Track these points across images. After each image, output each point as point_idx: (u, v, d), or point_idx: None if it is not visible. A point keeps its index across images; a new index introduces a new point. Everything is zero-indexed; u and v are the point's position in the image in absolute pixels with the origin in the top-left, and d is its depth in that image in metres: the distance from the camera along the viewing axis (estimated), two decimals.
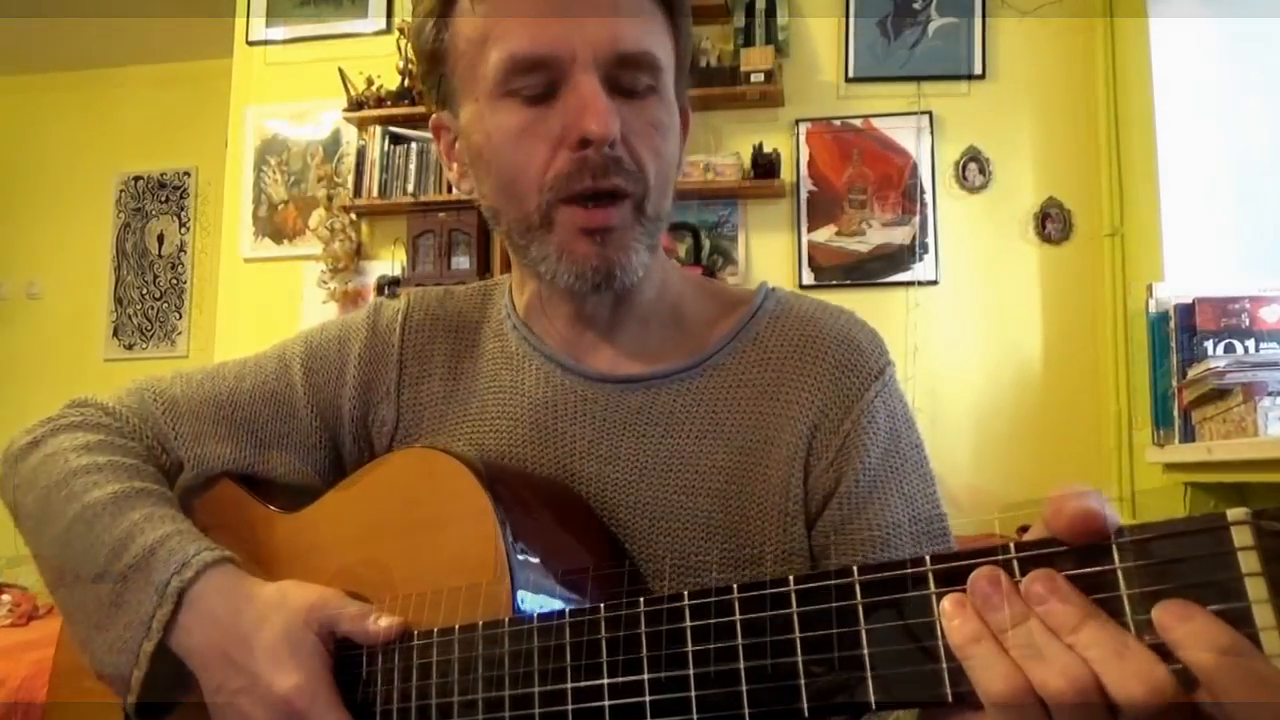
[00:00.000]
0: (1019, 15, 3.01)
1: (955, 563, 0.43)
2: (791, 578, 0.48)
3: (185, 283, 4.45)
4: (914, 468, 0.75)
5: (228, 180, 3.57)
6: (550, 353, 0.79)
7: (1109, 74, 2.88)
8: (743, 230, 3.13)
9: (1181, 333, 2.27)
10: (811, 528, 0.73)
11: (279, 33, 3.52)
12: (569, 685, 0.54)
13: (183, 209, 4.50)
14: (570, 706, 0.53)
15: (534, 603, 0.60)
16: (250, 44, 3.54)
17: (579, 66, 0.66)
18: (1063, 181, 2.95)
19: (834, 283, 3.02)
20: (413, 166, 3.23)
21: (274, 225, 3.48)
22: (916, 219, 3.01)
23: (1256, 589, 0.36)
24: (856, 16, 3.10)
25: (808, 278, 3.05)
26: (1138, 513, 2.65)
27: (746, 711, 0.48)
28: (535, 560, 0.62)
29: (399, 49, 3.30)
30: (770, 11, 3.05)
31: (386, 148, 3.26)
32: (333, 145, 3.45)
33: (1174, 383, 2.29)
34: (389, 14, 3.44)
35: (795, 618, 0.47)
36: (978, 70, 3.03)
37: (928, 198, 3.01)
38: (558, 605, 0.61)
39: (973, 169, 3.01)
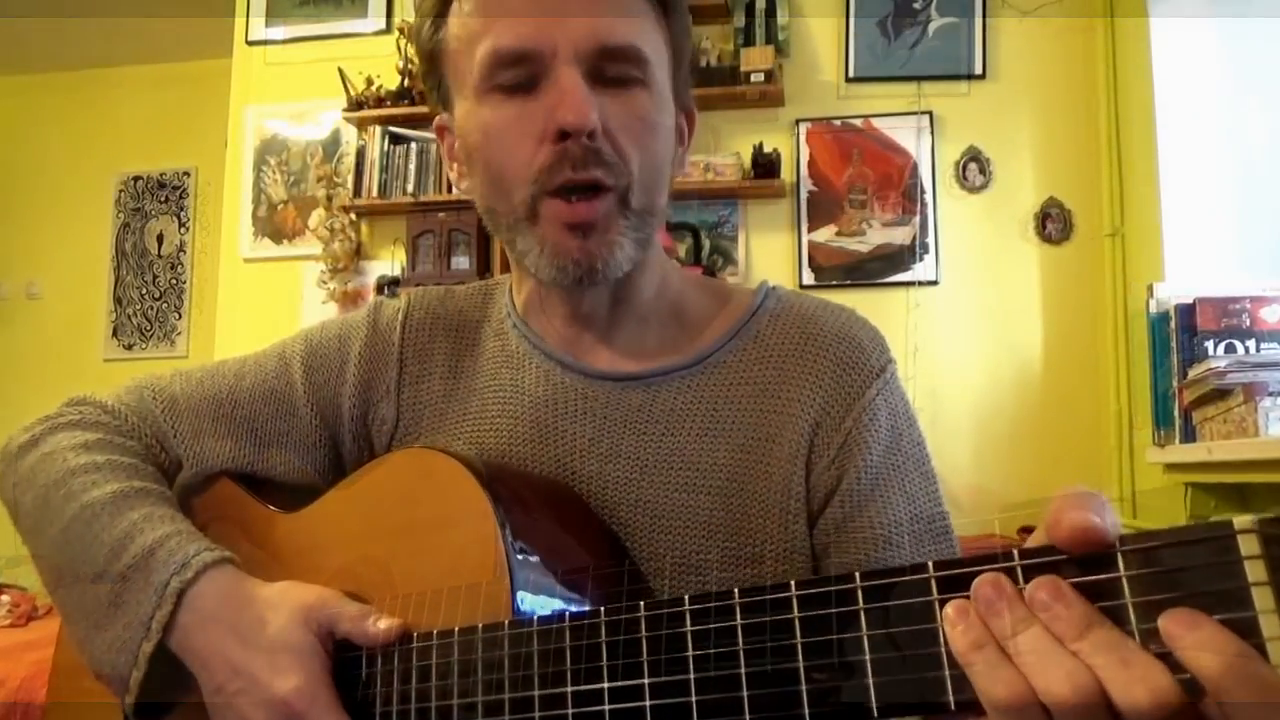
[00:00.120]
0: (1019, 15, 3.01)
1: (958, 569, 0.43)
2: (793, 582, 0.47)
3: (185, 283, 4.45)
4: (916, 466, 0.75)
5: (227, 180, 3.57)
6: (550, 351, 0.79)
7: (1109, 74, 2.88)
8: (743, 230, 3.13)
9: (1182, 333, 2.27)
10: (813, 526, 0.73)
11: (279, 32, 3.52)
12: (569, 689, 0.53)
13: (182, 209, 4.50)
14: (570, 710, 0.53)
15: (534, 603, 0.60)
16: (250, 44, 3.54)
17: (560, 60, 0.67)
18: (1063, 181, 2.95)
19: (834, 283, 3.02)
20: (412, 166, 3.23)
21: (274, 225, 3.48)
22: (917, 219, 3.01)
23: (1263, 598, 0.36)
24: (856, 16, 3.10)
25: (808, 278, 3.05)
26: (1138, 513, 2.65)
27: (747, 716, 0.47)
28: (535, 560, 0.62)
29: (399, 49, 3.30)
30: (770, 11, 3.05)
31: (386, 148, 3.26)
32: (332, 145, 3.45)
33: (1174, 383, 2.29)
34: (389, 14, 3.44)
35: (797, 622, 0.47)
36: (978, 70, 3.03)
37: (928, 198, 3.01)
38: (558, 605, 0.61)
39: (973, 169, 3.01)
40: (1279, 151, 2.47)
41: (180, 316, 4.43)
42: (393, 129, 3.26)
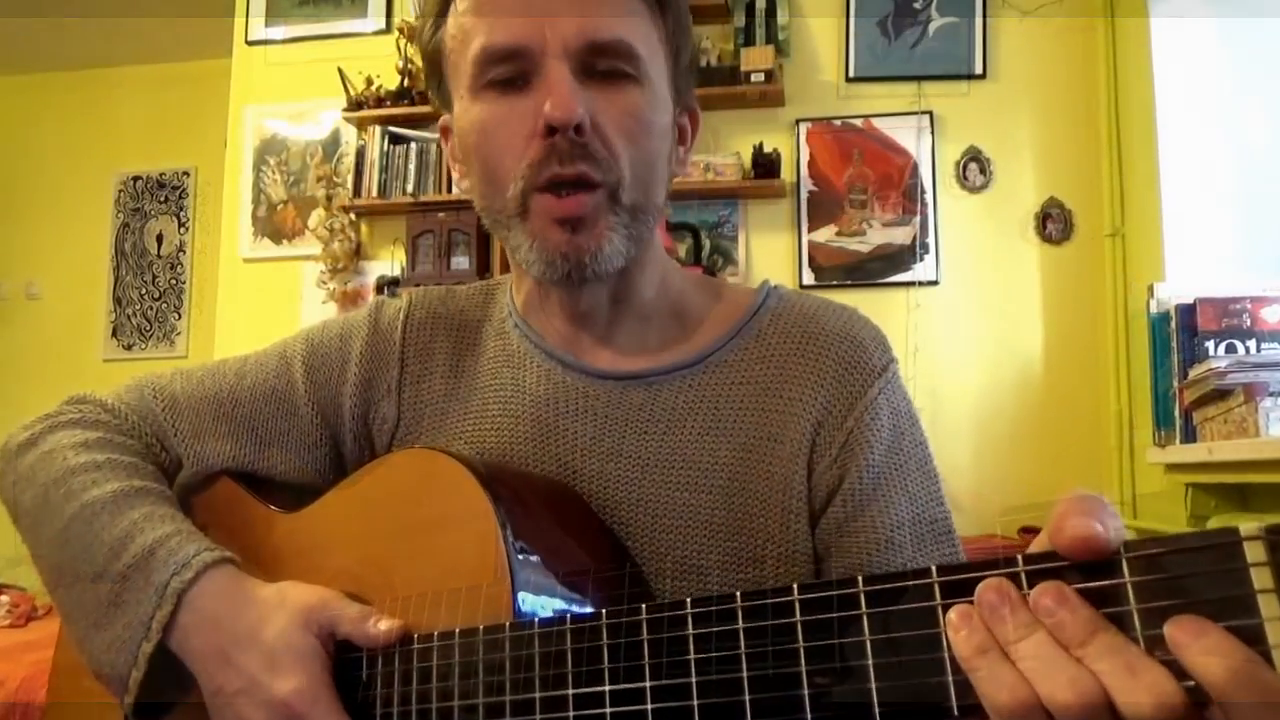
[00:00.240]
0: (1020, 15, 3.01)
1: (962, 574, 0.43)
2: (796, 585, 0.47)
3: (184, 283, 4.45)
4: (918, 466, 0.75)
5: (227, 180, 3.56)
6: (551, 350, 0.78)
7: (1110, 74, 2.88)
8: (743, 230, 3.13)
9: (1182, 333, 2.27)
10: (814, 525, 0.73)
11: (278, 32, 3.51)
12: (570, 691, 0.53)
13: (182, 209, 4.49)
14: (572, 713, 0.53)
15: (534, 604, 0.60)
16: (250, 44, 3.54)
17: (549, 56, 0.67)
18: (1063, 181, 2.95)
19: (834, 283, 3.02)
20: (412, 166, 3.23)
21: (273, 225, 3.48)
22: (917, 219, 3.01)
23: (1269, 605, 0.36)
24: (857, 16, 3.10)
25: (808, 278, 3.05)
26: (1139, 514, 2.64)
27: None
28: (536, 561, 0.62)
29: (398, 49, 3.30)
30: (770, 11, 3.05)
31: (386, 148, 3.26)
32: (332, 145, 3.44)
33: (1175, 383, 2.29)
34: (388, 14, 3.44)
35: (799, 626, 0.47)
36: (978, 70, 3.03)
37: (928, 198, 3.01)
38: (559, 606, 0.61)
39: (973, 169, 3.01)
40: (1279, 151, 2.47)
41: (180, 316, 4.43)
42: (392, 129, 3.26)
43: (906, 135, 3.04)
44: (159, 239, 4.50)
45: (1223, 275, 2.41)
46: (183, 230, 4.49)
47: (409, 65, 3.27)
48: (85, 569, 0.69)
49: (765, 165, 3.01)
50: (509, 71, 0.68)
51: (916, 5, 3.07)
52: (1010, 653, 0.40)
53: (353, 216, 3.33)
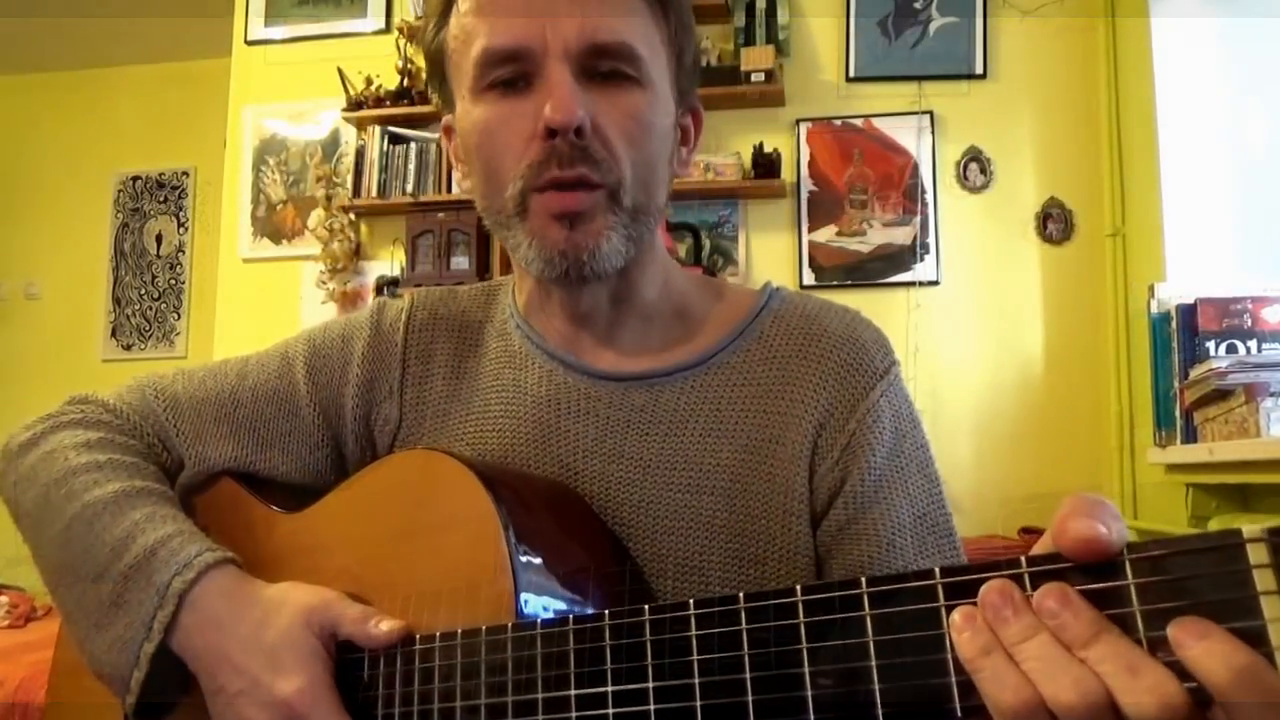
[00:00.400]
0: (1020, 15, 3.01)
1: (965, 576, 0.43)
2: (799, 587, 0.47)
3: (184, 283, 4.45)
4: (919, 468, 0.75)
5: (226, 180, 3.56)
6: (552, 350, 0.78)
7: (1110, 74, 2.87)
8: (743, 230, 3.12)
9: (1183, 333, 2.27)
10: (816, 527, 0.73)
11: (278, 32, 3.51)
12: (572, 692, 0.53)
13: (181, 209, 4.49)
14: (574, 714, 0.53)
15: (536, 604, 0.60)
16: (249, 44, 3.54)
17: (551, 57, 0.67)
18: (1064, 181, 2.95)
19: (835, 283, 3.02)
20: (412, 166, 3.23)
21: (273, 225, 3.48)
22: (917, 219, 3.01)
23: (1272, 607, 0.36)
24: (857, 16, 3.10)
25: (808, 278, 3.05)
26: (1139, 514, 2.64)
27: None
28: (538, 562, 0.62)
29: (398, 49, 3.30)
30: (771, 11, 3.05)
31: (385, 147, 3.26)
32: (331, 145, 3.44)
33: (1176, 383, 2.28)
34: (388, 14, 3.44)
35: (802, 628, 0.47)
36: (979, 70, 3.02)
37: (929, 198, 3.01)
38: (561, 607, 0.61)
39: (974, 169, 3.01)
40: (1279, 151, 2.47)
41: (179, 317, 4.43)
42: (392, 129, 3.26)
43: (907, 135, 3.04)
44: (158, 239, 4.50)
45: (1223, 275, 2.41)
46: (182, 230, 4.48)
47: (408, 65, 3.27)
48: (86, 569, 0.69)
49: (765, 165, 3.01)
50: (510, 73, 0.69)
51: (917, 5, 3.07)
52: (1014, 654, 0.40)
53: (352, 216, 3.33)
